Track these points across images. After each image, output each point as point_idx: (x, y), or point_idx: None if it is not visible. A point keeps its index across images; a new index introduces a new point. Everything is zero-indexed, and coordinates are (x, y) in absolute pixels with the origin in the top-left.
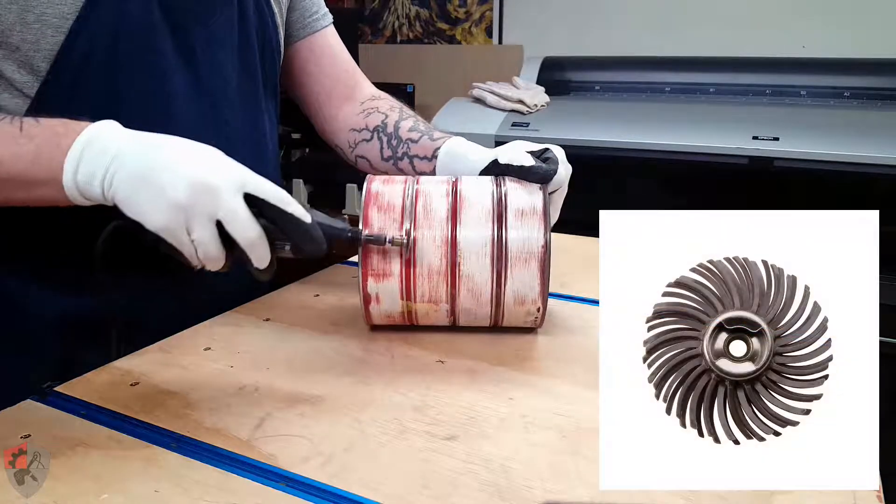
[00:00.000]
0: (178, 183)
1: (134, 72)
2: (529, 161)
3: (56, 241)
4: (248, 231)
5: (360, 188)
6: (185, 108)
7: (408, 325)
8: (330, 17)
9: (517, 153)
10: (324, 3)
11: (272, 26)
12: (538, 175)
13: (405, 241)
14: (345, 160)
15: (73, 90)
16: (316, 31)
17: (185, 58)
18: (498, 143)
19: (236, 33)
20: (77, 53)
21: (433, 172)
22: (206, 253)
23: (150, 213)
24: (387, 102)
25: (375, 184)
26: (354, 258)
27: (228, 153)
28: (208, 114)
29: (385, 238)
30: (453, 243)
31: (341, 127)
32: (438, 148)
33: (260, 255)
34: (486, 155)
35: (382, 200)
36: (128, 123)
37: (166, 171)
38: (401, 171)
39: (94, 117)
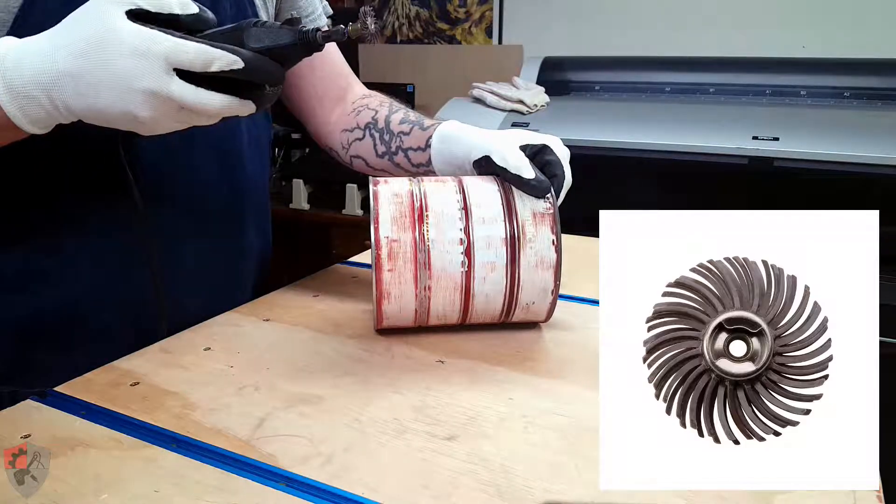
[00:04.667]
0: (115, 63)
1: None
2: (529, 173)
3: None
4: (200, 53)
5: (360, 188)
6: None
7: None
8: (325, 20)
9: (514, 155)
10: (319, 6)
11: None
12: (536, 190)
13: (363, 25)
14: (341, 163)
15: None
16: None
17: None
18: None
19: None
20: None
21: (429, 162)
22: (199, 99)
23: (109, 106)
24: (376, 99)
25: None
26: (355, 258)
27: (222, 147)
28: None
29: (343, 31)
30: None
31: (333, 129)
32: (430, 136)
33: (229, 61)
34: (480, 140)
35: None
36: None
37: (93, 70)
38: (397, 167)
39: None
